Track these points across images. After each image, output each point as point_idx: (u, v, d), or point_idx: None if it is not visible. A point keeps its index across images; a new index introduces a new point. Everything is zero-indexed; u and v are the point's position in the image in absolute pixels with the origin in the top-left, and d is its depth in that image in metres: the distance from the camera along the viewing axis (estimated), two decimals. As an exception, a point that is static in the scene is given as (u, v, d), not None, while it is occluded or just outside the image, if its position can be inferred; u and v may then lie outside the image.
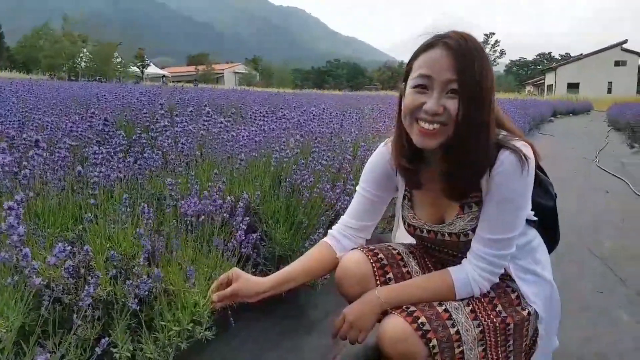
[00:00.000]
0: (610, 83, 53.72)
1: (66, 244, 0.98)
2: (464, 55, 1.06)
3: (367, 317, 1.20)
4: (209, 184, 1.87)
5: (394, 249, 1.38)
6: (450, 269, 1.22)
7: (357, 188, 1.41)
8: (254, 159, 2.32)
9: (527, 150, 1.14)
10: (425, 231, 1.31)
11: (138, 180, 1.83)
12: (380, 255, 1.33)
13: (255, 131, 2.44)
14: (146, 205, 1.51)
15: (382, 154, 1.36)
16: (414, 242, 1.46)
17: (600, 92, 47.78)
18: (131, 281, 1.34)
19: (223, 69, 76.07)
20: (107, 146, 1.91)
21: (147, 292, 1.34)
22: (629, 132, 11.05)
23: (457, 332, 1.12)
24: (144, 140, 2.12)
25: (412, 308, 1.15)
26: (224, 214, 1.67)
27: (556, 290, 1.32)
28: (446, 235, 1.25)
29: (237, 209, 1.75)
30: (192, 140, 2.21)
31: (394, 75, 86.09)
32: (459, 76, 1.06)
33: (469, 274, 1.18)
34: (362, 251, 1.35)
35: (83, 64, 41.49)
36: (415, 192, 1.33)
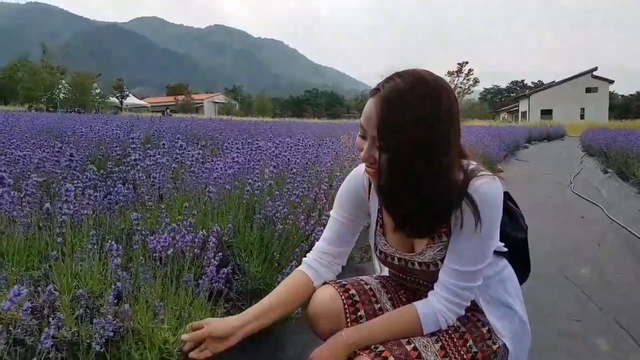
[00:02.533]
0: (582, 109, 55.49)
1: (21, 287, 0.95)
2: (390, 106, 1.04)
3: None
4: (179, 217, 1.86)
5: (366, 284, 1.37)
6: (416, 303, 1.21)
7: (332, 214, 1.39)
8: (227, 191, 2.31)
9: (496, 183, 1.15)
10: (395, 259, 1.29)
11: (107, 216, 1.80)
12: (352, 291, 1.31)
13: (230, 163, 2.44)
14: (114, 242, 1.48)
15: (356, 178, 1.35)
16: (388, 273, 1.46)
17: (573, 118, 49.28)
18: (97, 320, 1.31)
19: (202, 99, 76.39)
20: (76, 182, 1.89)
21: (112, 332, 1.30)
22: (602, 158, 11.37)
23: None
24: (115, 175, 2.10)
25: (381, 348, 1.13)
26: (195, 250, 1.65)
27: (526, 322, 1.31)
28: (416, 264, 1.25)
29: (209, 243, 1.73)
30: (164, 173, 2.20)
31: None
32: (379, 129, 1.06)
33: (435, 307, 1.17)
34: (334, 287, 1.32)
35: (62, 95, 41.28)
36: (387, 219, 1.31)
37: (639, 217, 5.10)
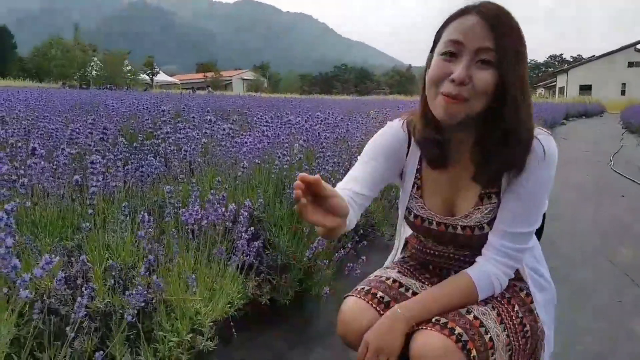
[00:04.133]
0: (623, 85, 53.01)
1: (53, 256, 0.94)
2: (500, 24, 0.98)
3: (392, 339, 1.05)
4: (211, 191, 1.84)
5: (387, 278, 1.25)
6: (467, 270, 1.12)
7: (363, 158, 1.22)
8: (257, 165, 2.28)
9: (553, 139, 1.09)
10: (434, 223, 1.18)
11: (140, 188, 1.80)
12: (379, 294, 1.20)
13: (260, 137, 2.40)
14: (146, 214, 1.47)
15: (395, 130, 1.22)
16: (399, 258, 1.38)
17: (613, 94, 47.14)
18: (129, 292, 1.31)
19: (231, 76, 76.65)
20: (108, 154, 1.88)
21: (144, 303, 1.30)
22: (643, 135, 10.88)
23: (491, 339, 1.04)
24: (146, 148, 2.09)
25: (444, 320, 1.05)
26: (227, 223, 1.63)
27: (554, 289, 1.25)
28: (459, 228, 1.15)
29: (240, 217, 1.71)
30: (194, 146, 2.18)
31: (402, 80, 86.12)
32: (497, 46, 0.97)
33: (490, 271, 1.10)
34: (359, 297, 1.20)
35: (94, 72, 42.08)
36: (427, 180, 1.20)
37: (685, 197, 4.86)
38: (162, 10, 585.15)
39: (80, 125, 2.12)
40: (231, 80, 72.12)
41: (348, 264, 2.14)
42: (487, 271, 1.11)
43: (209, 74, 67.78)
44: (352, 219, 1.08)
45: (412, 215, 1.23)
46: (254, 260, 1.80)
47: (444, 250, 1.24)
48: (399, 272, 1.29)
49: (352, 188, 1.12)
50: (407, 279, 1.27)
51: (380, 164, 1.19)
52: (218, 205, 1.61)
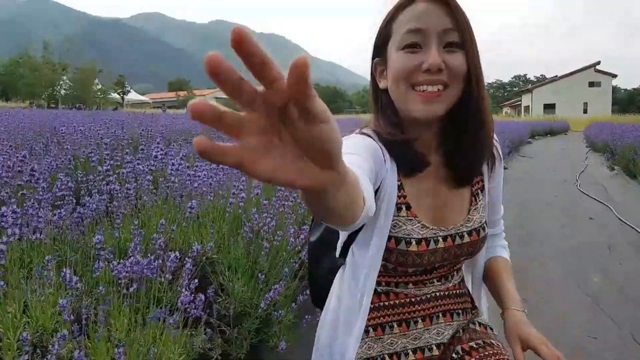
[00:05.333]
0: (585, 103, 55.06)
1: None
2: (452, 4, 0.90)
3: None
4: (154, 235, 1.66)
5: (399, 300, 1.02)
6: (500, 257, 1.16)
7: (348, 157, 0.68)
8: (211, 201, 2.11)
9: None
10: (440, 240, 0.99)
11: (72, 234, 1.60)
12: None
13: (215, 169, 2.24)
14: (70, 270, 1.28)
15: (364, 139, 0.95)
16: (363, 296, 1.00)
17: (576, 113, 48.83)
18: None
19: (205, 95, 76.28)
20: (40, 194, 1.69)
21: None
22: (607, 154, 11.13)
23: None
24: (86, 185, 1.89)
25: None
26: (166, 276, 1.45)
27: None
28: (465, 235, 1.01)
29: (186, 264, 1.53)
30: (141, 182, 2.00)
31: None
32: (458, 25, 0.89)
33: (507, 254, 1.18)
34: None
35: (63, 91, 41.18)
36: (413, 195, 0.99)
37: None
38: (137, 28, 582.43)
39: (11, 162, 1.90)
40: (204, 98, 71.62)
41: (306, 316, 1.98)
42: (507, 253, 1.18)
43: (182, 93, 67.14)
44: (370, 199, 0.69)
45: (414, 242, 0.97)
46: (202, 313, 1.63)
47: (426, 292, 1.04)
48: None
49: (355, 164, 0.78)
50: (410, 303, 1.04)
51: (370, 163, 0.87)
52: (158, 254, 1.43)
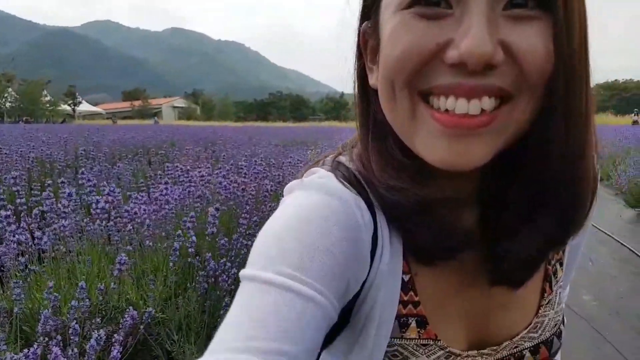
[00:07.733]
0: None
1: None
2: None
3: None
4: (72, 302, 1.23)
5: None
6: None
7: (283, 281, 0.41)
8: (150, 247, 1.69)
9: None
10: None
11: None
12: None
13: (160, 202, 1.82)
14: None
15: (342, 203, 0.46)
16: None
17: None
18: None
19: (161, 104, 74.63)
20: None
21: None
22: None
23: None
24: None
25: None
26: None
27: None
28: (527, 355, 0.55)
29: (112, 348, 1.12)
30: (62, 225, 1.56)
31: (336, 106, 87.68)
32: None
33: None
34: None
35: (8, 104, 39.32)
36: (433, 302, 0.52)
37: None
38: (88, 37, 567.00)
39: None
40: (161, 108, 69.95)
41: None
42: None
43: (137, 103, 65.19)
44: None
45: None
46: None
47: None
48: None
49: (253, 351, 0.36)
50: None
51: (324, 294, 0.42)
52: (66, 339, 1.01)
